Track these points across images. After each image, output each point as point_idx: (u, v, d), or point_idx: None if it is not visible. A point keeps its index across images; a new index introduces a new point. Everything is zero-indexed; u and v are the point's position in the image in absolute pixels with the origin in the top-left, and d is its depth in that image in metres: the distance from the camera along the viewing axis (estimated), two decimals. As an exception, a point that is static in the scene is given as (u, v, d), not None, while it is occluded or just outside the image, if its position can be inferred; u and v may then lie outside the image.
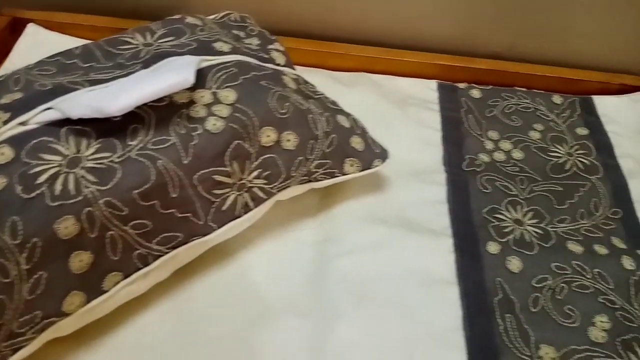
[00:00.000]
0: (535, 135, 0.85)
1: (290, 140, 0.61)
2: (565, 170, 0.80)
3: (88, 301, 0.51)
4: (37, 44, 0.88)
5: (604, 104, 0.92)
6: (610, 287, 0.65)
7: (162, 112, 0.56)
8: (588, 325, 0.61)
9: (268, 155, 0.60)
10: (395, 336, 0.59)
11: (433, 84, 0.93)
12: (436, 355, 0.58)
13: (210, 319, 0.58)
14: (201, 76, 0.60)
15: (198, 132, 0.56)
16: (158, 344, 0.56)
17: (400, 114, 0.85)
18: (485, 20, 0.94)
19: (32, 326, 0.48)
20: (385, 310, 0.61)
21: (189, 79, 0.53)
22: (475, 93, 0.91)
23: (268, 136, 0.60)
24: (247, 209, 0.61)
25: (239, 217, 0.60)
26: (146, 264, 0.55)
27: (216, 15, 0.80)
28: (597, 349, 0.59)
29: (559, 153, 0.82)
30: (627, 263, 0.67)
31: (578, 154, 0.83)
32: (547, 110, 0.90)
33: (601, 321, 0.62)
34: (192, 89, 0.58)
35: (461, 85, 0.93)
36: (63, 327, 0.51)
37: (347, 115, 0.70)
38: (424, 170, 0.78)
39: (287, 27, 0.95)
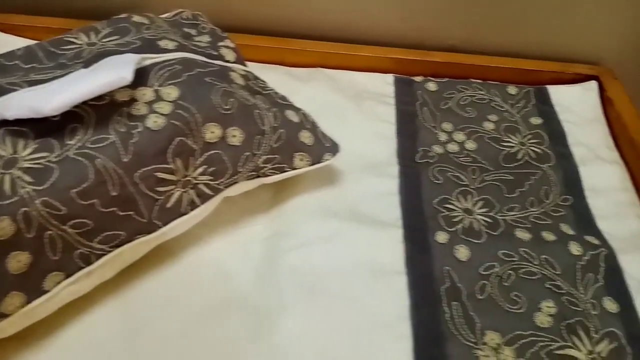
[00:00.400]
0: (489, 125, 0.86)
1: (235, 136, 0.62)
2: (517, 160, 0.81)
3: (28, 302, 0.51)
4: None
5: (558, 94, 0.94)
6: (557, 272, 0.66)
7: (102, 111, 0.56)
8: (534, 311, 0.62)
9: (213, 152, 0.60)
10: (342, 327, 0.59)
11: (389, 77, 0.93)
12: (382, 345, 0.58)
13: (157, 317, 0.58)
14: (144, 74, 0.60)
15: (138, 129, 0.56)
16: (104, 343, 0.56)
17: (355, 108, 0.86)
18: (440, 13, 0.95)
19: (-32, 328, 0.48)
20: (333, 302, 0.61)
21: (126, 77, 0.54)
22: (432, 86, 0.92)
23: (212, 132, 0.60)
24: (193, 205, 0.61)
25: (185, 214, 0.61)
26: (88, 263, 0.55)
27: (169, 13, 0.81)
28: (542, 334, 0.60)
29: (512, 143, 0.84)
30: (574, 249, 0.68)
31: (531, 143, 0.84)
32: (502, 101, 0.91)
33: (547, 306, 0.63)
34: (134, 87, 0.58)
35: (417, 79, 0.93)
36: (4, 328, 0.51)
37: (297, 110, 0.71)
38: (377, 164, 0.78)
39: (244, 25, 0.96)
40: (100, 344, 0.56)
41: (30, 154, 0.52)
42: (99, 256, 0.55)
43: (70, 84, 0.53)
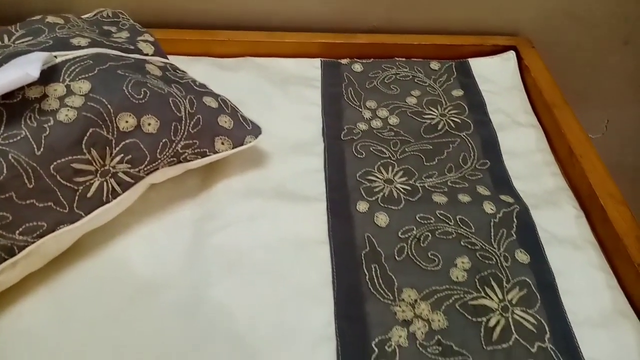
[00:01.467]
0: (412, 101, 0.90)
1: (151, 124, 0.64)
2: (437, 130, 0.85)
3: (-49, 295, 0.53)
4: None
5: (478, 65, 0.98)
6: (471, 231, 0.70)
7: (13, 108, 0.58)
8: (450, 267, 0.66)
9: (129, 140, 0.63)
10: (267, 297, 0.62)
11: (317, 62, 0.96)
12: (305, 311, 0.61)
13: (86, 302, 0.60)
14: (56, 71, 0.62)
15: (50, 123, 0.58)
16: (34, 329, 0.58)
17: (281, 93, 0.89)
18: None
19: None
20: (258, 275, 0.64)
21: (32, 74, 0.55)
22: (357, 67, 0.96)
23: (127, 122, 0.62)
24: (115, 194, 0.63)
25: (107, 202, 0.63)
26: (12, 255, 0.56)
27: (90, 13, 0.82)
28: (457, 287, 0.64)
29: (433, 115, 0.87)
30: (488, 207, 0.72)
31: (451, 114, 0.88)
32: (424, 76, 0.95)
33: (462, 262, 0.66)
34: (46, 83, 0.60)
35: (344, 61, 0.97)
36: None
37: (216, 96, 0.73)
38: (303, 144, 0.81)
39: (169, 19, 0.98)
40: (29, 330, 0.58)
41: (-57, 153, 0.53)
42: (22, 247, 0.57)
43: (-24, 84, 0.55)
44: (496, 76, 0.96)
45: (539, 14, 1.02)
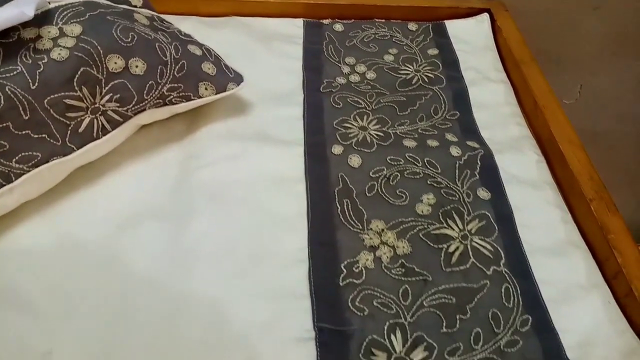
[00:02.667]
0: (389, 58, 0.95)
1: (138, 66, 0.68)
2: (411, 84, 0.90)
3: (-46, 214, 0.58)
4: None
5: (453, 27, 1.03)
6: (437, 171, 0.75)
7: (10, 47, 0.62)
8: (416, 203, 0.71)
9: (118, 81, 0.67)
10: (246, 226, 0.67)
11: (299, 21, 1.01)
12: (281, 237, 0.67)
13: (78, 228, 0.65)
14: (49, 15, 0.66)
15: (44, 61, 0.62)
16: (31, 251, 0.63)
17: (264, 49, 0.93)
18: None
19: None
20: (238, 207, 0.69)
21: (27, 13, 0.60)
22: (338, 27, 1.00)
23: (115, 63, 0.67)
24: (104, 131, 0.68)
25: (97, 139, 0.68)
26: (9, 181, 0.61)
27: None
28: (421, 219, 0.69)
29: (408, 71, 0.92)
30: (455, 151, 0.77)
31: (425, 70, 0.93)
32: (402, 36, 1.00)
33: (428, 198, 0.71)
34: (40, 25, 0.65)
35: (325, 21, 1.01)
36: None
37: (200, 45, 0.78)
38: (283, 95, 0.86)
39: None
40: (26, 252, 0.63)
41: (-55, 84, 0.58)
42: (18, 175, 0.62)
43: (-24, 21, 0.59)
44: (470, 37, 1.01)
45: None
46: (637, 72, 1.29)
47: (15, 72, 0.61)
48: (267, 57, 0.92)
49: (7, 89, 0.60)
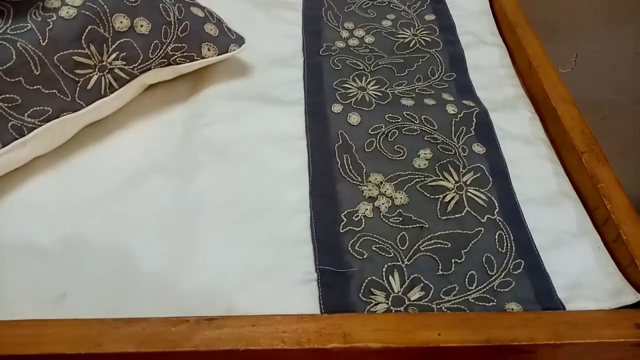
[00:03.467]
0: (387, 23, 0.97)
1: (143, 26, 0.71)
2: (409, 47, 0.92)
3: (-30, 165, 0.61)
4: None
5: (450, -7, 1.04)
6: (434, 128, 0.77)
7: (19, 5, 0.65)
8: (413, 157, 0.74)
9: (124, 40, 0.70)
10: (250, 180, 0.70)
11: (298, -11, 1.03)
12: (283, 190, 0.69)
13: (87, 181, 0.68)
14: (56, -24, 0.68)
15: (53, 19, 0.65)
16: (41, 202, 0.66)
17: (264, 14, 0.96)
18: None
19: None
20: (241, 162, 0.72)
21: (36, -30, 0.62)
22: (336, -6, 1.02)
23: (121, 22, 0.69)
24: (112, 89, 0.71)
25: (105, 96, 0.70)
26: (22, 135, 0.64)
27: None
28: (418, 173, 0.72)
29: (405, 35, 0.94)
30: (451, 109, 0.80)
31: (423, 34, 0.95)
32: (399, 3, 1.02)
33: (424, 153, 0.74)
34: (47, -15, 0.67)
35: (323, -11, 1.03)
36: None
37: (202, 8, 0.80)
38: (284, 58, 0.89)
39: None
40: (38, 203, 0.65)
41: (-43, 40, 0.60)
42: (31, 129, 0.64)
43: (-13, -21, 0.61)
44: (466, 3, 1.03)
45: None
46: (633, 42, 1.31)
47: (25, 29, 0.63)
48: (267, 23, 0.94)
49: (18, 45, 0.62)
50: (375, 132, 0.76)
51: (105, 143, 0.73)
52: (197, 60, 0.77)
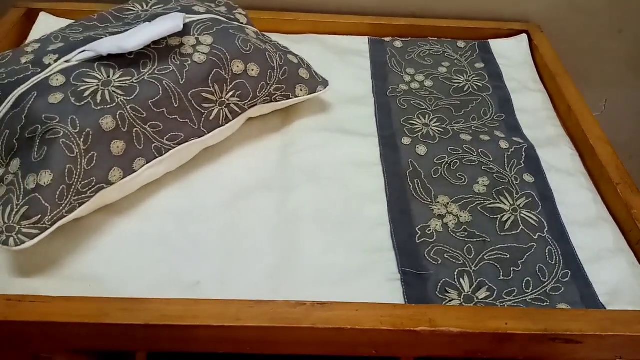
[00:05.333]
0: (443, 70, 1.12)
1: (254, 70, 0.86)
2: (464, 91, 1.07)
3: (124, 176, 0.75)
4: (49, 28, 1.11)
5: (497, 45, 1.20)
6: (490, 160, 0.91)
7: (161, 51, 0.81)
8: (473, 184, 0.87)
9: (239, 81, 0.85)
10: (336, 197, 0.84)
11: (365, 39, 1.19)
12: (365, 206, 0.83)
13: (205, 194, 0.83)
14: (186, 28, 0.85)
15: (188, 62, 0.81)
16: (171, 209, 0.80)
17: (339, 60, 1.11)
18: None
19: (90, 187, 0.72)
20: (328, 183, 0.86)
21: (180, 24, 0.79)
22: (398, 44, 1.18)
23: (238, 66, 0.85)
24: (227, 120, 0.86)
25: (222, 125, 0.85)
26: (161, 154, 0.79)
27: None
28: (478, 196, 0.85)
29: (459, 80, 1.09)
30: (503, 145, 0.94)
31: (474, 80, 1.10)
32: (453, 52, 1.17)
33: (482, 181, 0.88)
34: (181, 35, 0.83)
35: (387, 39, 1.19)
36: (108, 194, 0.75)
37: (296, 55, 0.96)
38: (357, 98, 1.04)
39: (245, 2, 1.21)
40: (168, 210, 0.80)
41: (118, 78, 0.76)
42: (168, 150, 0.79)
43: (142, 30, 0.78)
44: (511, 54, 1.18)
45: (547, 5, 1.24)
46: (657, 89, 1.44)
47: (168, 70, 0.79)
48: (342, 67, 1.10)
49: (164, 83, 0.78)
50: (440, 161, 0.90)
51: (216, 165, 0.88)
52: (292, 98, 0.92)
